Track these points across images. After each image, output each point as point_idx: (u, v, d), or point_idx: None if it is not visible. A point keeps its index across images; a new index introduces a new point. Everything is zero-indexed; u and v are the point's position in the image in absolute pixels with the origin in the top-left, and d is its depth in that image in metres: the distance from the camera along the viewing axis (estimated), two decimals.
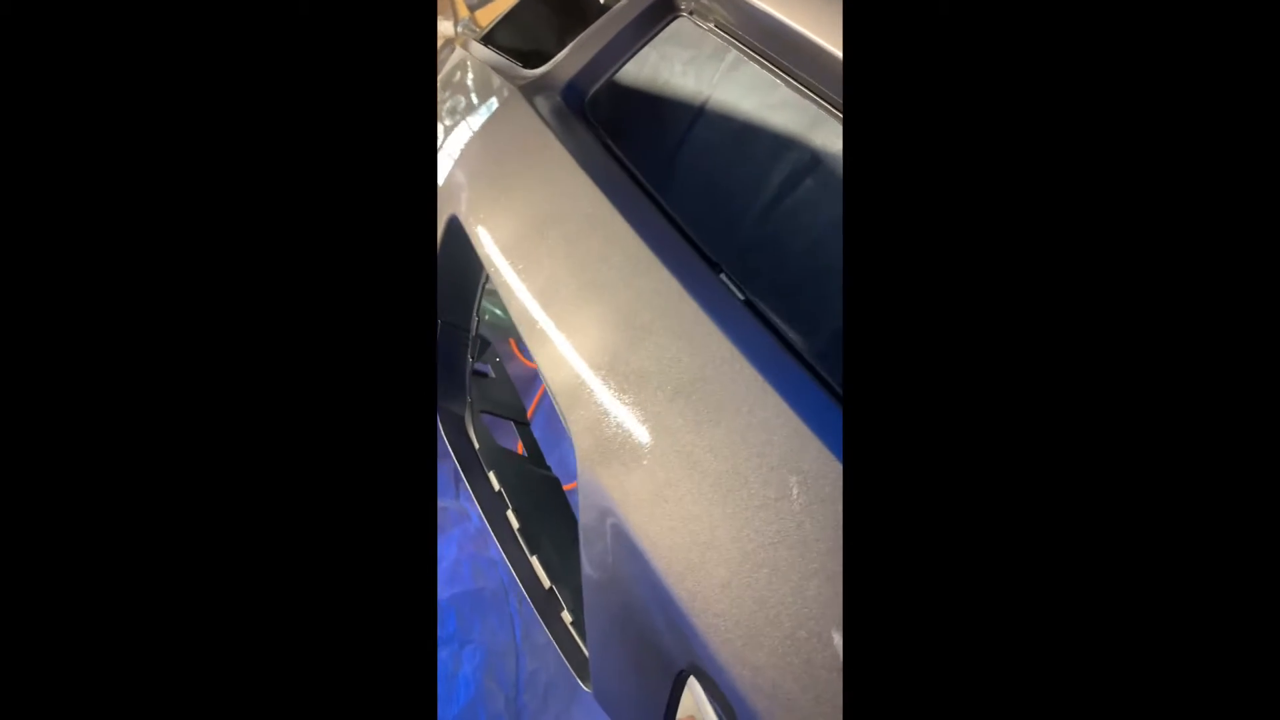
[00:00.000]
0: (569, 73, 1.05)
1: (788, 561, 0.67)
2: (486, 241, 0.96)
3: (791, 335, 1.22)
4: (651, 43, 1.19)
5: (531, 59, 1.61)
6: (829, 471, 0.66)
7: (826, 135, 1.16)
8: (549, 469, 1.57)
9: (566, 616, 1.08)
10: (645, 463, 0.74)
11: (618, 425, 0.77)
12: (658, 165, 1.59)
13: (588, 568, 0.82)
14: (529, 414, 2.41)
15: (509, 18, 1.92)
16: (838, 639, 0.65)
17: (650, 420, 0.75)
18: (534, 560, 1.13)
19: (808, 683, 0.66)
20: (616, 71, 1.10)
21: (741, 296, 0.82)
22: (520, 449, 1.79)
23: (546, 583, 1.12)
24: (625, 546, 0.76)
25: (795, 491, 0.67)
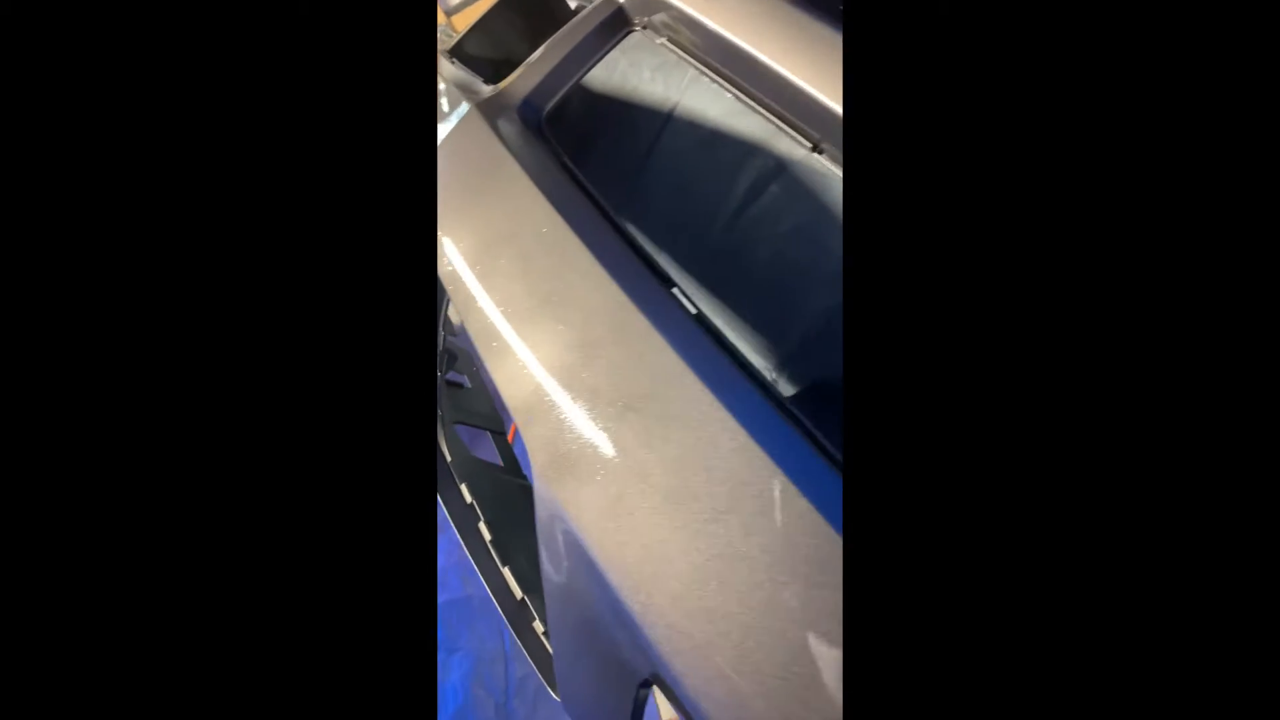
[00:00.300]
0: (525, 89, 1.06)
1: (735, 574, 0.68)
2: (445, 257, 0.97)
3: (744, 348, 1.23)
4: (622, 49, 1.20)
5: (503, 67, 1.61)
6: (774, 485, 0.67)
7: (789, 140, 1.17)
8: (525, 478, 1.58)
9: (538, 626, 1.09)
10: (599, 478, 0.75)
11: (572, 441, 0.78)
12: (629, 172, 1.60)
13: (548, 581, 0.83)
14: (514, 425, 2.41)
15: (479, 26, 1.93)
16: (785, 646, 0.66)
17: (602, 436, 0.76)
18: (506, 571, 1.14)
19: (759, 690, 0.67)
20: (574, 84, 1.11)
21: (694, 310, 0.83)
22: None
23: (519, 593, 1.13)
24: (582, 560, 0.77)
25: (742, 505, 0.68)
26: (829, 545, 0.66)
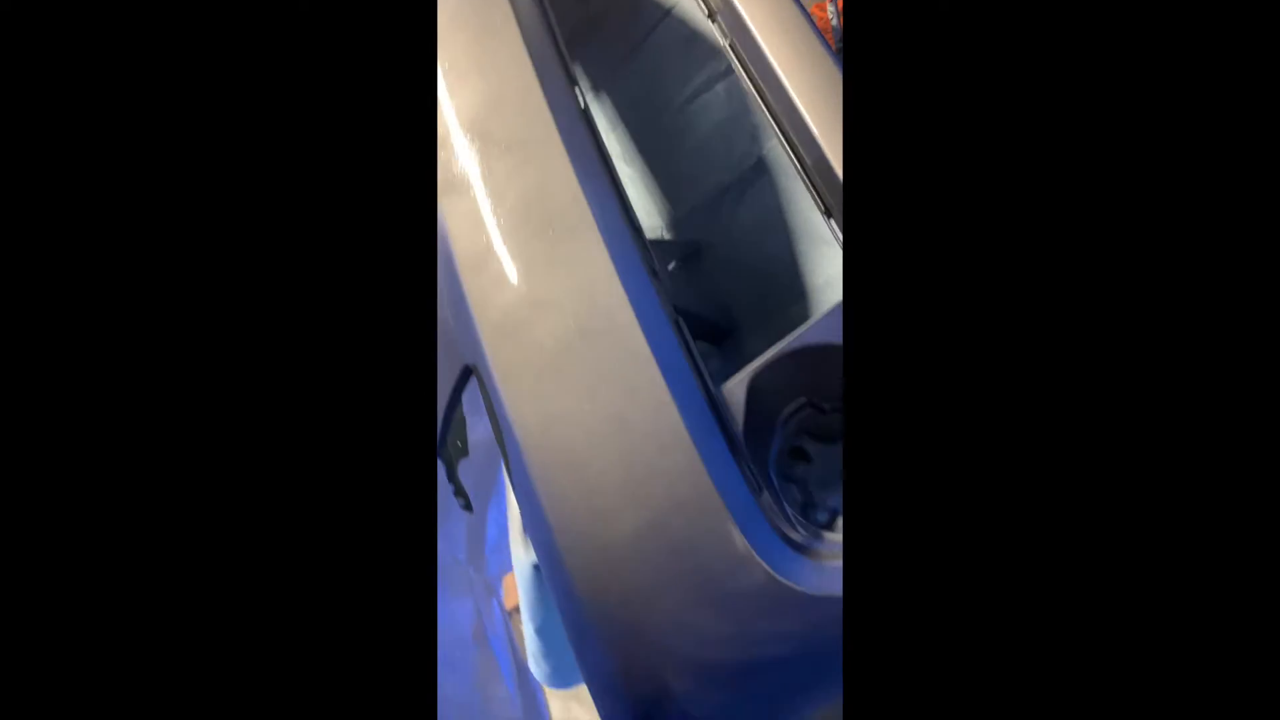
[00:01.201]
0: None
1: (551, 280, 0.94)
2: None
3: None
4: None
5: None
6: (582, 217, 0.94)
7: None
8: None
9: None
10: (478, 208, 1.02)
11: (469, 180, 1.03)
12: (622, 53, 1.83)
13: None
14: None
15: None
16: (573, 327, 0.92)
17: (492, 178, 1.02)
18: None
19: (544, 368, 0.94)
20: None
21: (582, 104, 1.08)
22: None
23: None
24: (444, 254, 1.03)
25: (555, 233, 0.95)
26: (612, 287, 0.92)
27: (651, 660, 0.89)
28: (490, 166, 1.01)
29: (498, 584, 2.25)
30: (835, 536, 0.92)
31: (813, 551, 0.87)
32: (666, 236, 1.53)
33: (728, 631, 0.87)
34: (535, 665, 1.67)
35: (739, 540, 0.83)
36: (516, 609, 1.92)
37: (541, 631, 1.59)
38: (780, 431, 1.03)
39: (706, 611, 0.87)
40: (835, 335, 0.93)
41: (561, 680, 1.70)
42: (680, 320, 0.93)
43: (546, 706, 2.14)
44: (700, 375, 0.90)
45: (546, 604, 1.49)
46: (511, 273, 0.96)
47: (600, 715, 0.94)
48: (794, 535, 0.87)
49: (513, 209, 0.98)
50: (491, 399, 1.00)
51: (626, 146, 1.74)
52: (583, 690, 2.53)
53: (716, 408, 0.90)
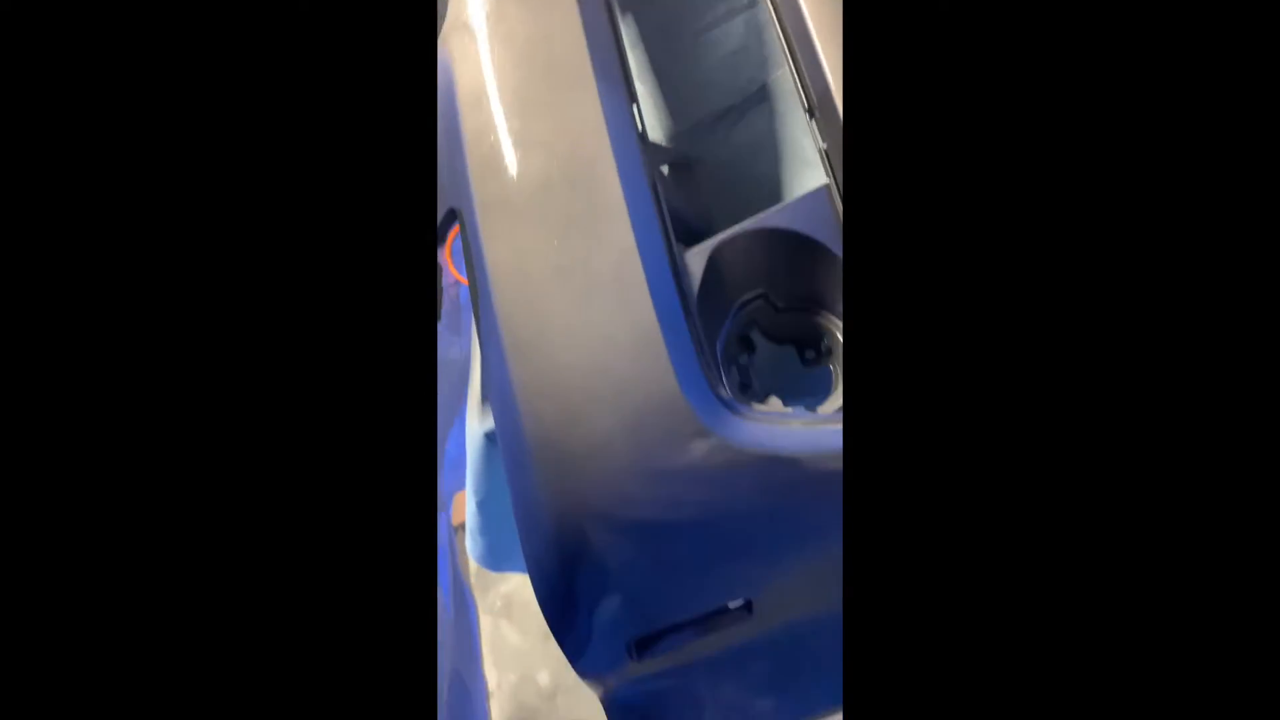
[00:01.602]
0: None
1: (531, 111, 1.00)
2: None
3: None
4: None
5: None
6: (582, 69, 0.99)
7: None
8: None
9: None
10: (483, 48, 1.07)
11: (476, 23, 1.08)
12: None
13: None
14: None
15: None
16: (556, 169, 0.97)
17: (503, 28, 1.07)
18: None
19: (524, 205, 1.00)
20: None
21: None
22: None
23: None
24: (449, 97, 1.08)
25: (555, 78, 1.01)
26: (600, 138, 0.98)
27: (581, 492, 0.95)
28: (503, 11, 1.06)
29: (449, 501, 2.32)
30: (765, 407, 0.98)
31: (741, 411, 0.93)
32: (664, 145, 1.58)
33: (652, 472, 0.93)
34: (471, 542, 1.73)
35: (672, 384, 0.90)
36: (462, 525, 1.98)
37: (483, 505, 1.65)
38: (732, 317, 1.09)
39: (634, 449, 0.93)
40: (799, 223, 0.99)
41: (494, 560, 1.76)
42: (658, 184, 0.99)
43: (477, 622, 2.22)
44: (667, 236, 0.96)
45: (492, 477, 1.55)
46: (507, 111, 1.01)
47: (526, 553, 0.99)
48: (723, 394, 0.93)
49: (520, 52, 1.03)
50: (469, 238, 1.05)
51: (642, 66, 1.79)
52: (513, 608, 2.60)
53: (676, 269, 0.96)
